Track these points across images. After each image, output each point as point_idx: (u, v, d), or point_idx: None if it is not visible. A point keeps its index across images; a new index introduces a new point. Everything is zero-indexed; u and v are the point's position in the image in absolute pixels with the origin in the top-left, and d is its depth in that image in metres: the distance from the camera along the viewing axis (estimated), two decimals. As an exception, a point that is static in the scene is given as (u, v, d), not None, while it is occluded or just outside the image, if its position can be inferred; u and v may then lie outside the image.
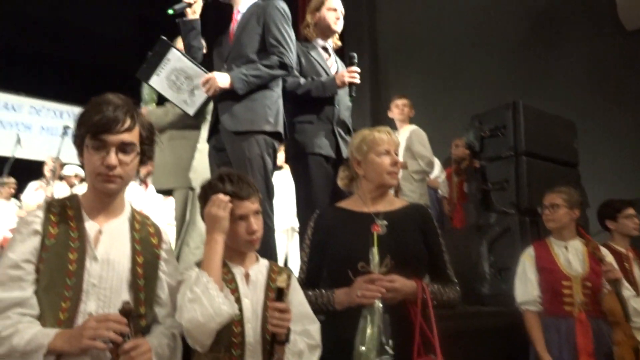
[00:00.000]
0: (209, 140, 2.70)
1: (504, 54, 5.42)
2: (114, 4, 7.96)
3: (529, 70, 5.18)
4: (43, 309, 1.35)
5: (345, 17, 3.07)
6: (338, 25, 3.00)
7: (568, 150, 3.79)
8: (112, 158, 1.41)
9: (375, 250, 1.72)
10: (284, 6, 2.67)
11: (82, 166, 1.55)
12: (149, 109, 3.20)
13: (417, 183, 4.26)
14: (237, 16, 2.71)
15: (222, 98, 2.53)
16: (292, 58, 2.61)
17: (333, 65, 3.00)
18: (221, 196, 1.59)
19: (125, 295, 1.44)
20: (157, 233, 1.60)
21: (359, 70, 2.78)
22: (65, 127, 4.98)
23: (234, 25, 2.69)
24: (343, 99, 2.98)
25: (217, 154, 2.65)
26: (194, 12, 2.61)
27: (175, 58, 2.53)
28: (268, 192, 2.53)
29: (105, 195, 1.49)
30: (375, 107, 6.61)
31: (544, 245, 2.67)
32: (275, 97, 2.62)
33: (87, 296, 1.39)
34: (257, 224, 1.66)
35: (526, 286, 2.61)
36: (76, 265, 1.41)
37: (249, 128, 2.49)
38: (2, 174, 5.57)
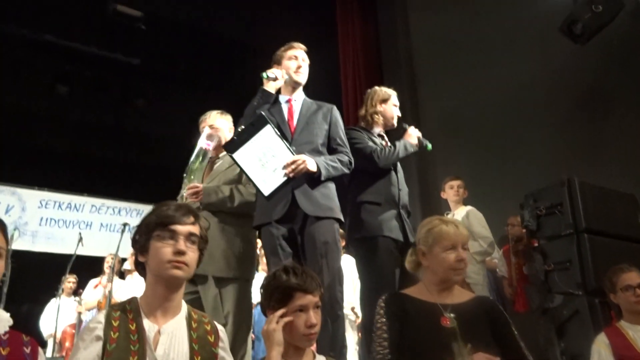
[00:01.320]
0: (269, 226, 2.67)
1: (552, 129, 5.36)
2: (166, 108, 8.49)
3: (580, 145, 5.08)
4: None
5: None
6: (396, 120, 3.27)
7: (631, 225, 3.61)
8: (182, 244, 1.55)
9: (460, 344, 1.69)
10: None
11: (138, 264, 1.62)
12: (206, 189, 2.97)
13: (479, 265, 4.15)
14: (294, 104, 2.90)
15: (298, 184, 2.63)
16: (352, 160, 2.85)
17: None
18: (270, 314, 1.65)
19: (185, 398, 1.44)
20: (214, 331, 1.61)
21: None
22: (125, 224, 5.19)
23: (291, 111, 2.86)
24: (403, 183, 3.08)
25: (287, 242, 2.66)
26: (275, 88, 2.84)
27: (269, 135, 2.54)
28: (340, 279, 2.55)
29: (170, 286, 1.56)
30: (423, 188, 6.58)
31: (617, 330, 2.48)
32: (335, 191, 2.80)
33: (149, 399, 1.39)
34: (316, 318, 1.66)
35: (607, 379, 2.39)
36: None
37: (329, 215, 2.63)
38: (65, 271, 5.77)
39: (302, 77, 2.90)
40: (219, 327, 1.66)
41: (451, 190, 4.51)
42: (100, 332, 1.46)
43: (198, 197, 2.90)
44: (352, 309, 4.91)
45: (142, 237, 1.58)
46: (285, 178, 2.56)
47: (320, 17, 6.77)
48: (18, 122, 7.65)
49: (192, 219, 1.60)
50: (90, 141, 8.30)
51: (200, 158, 2.99)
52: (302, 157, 2.57)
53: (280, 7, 6.50)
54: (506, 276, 4.82)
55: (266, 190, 2.58)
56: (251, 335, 5.37)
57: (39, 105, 7.98)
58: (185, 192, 2.94)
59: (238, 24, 6.60)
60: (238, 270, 2.86)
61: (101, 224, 8.48)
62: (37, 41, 7.44)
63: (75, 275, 6.30)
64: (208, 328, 1.61)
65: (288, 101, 2.90)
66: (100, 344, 1.44)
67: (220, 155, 3.16)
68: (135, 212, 8.71)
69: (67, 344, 5.77)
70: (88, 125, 8.31)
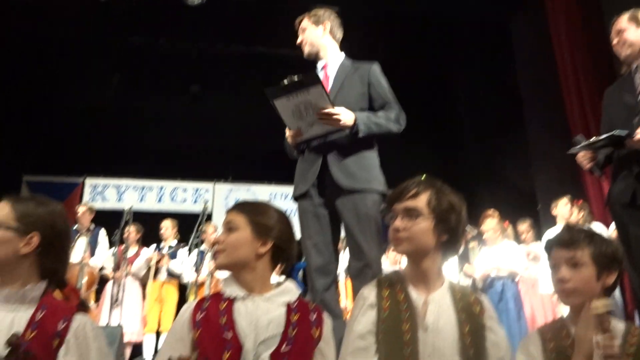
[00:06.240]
0: (302, 198, 2.60)
1: None
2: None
3: None
4: None
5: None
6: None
7: None
8: (397, 222, 1.61)
9: None
10: None
11: None
12: None
13: None
14: (329, 70, 2.75)
15: (332, 151, 2.54)
16: (404, 119, 2.60)
17: None
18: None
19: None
20: (479, 302, 1.63)
21: None
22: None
23: (325, 78, 2.73)
24: None
25: (319, 210, 2.56)
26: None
27: (317, 94, 2.39)
28: (379, 250, 2.48)
29: (412, 262, 1.63)
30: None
31: None
32: (378, 159, 2.62)
33: (423, 364, 1.47)
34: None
35: None
36: (409, 336, 1.51)
37: (365, 186, 2.48)
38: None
39: (306, 49, 2.79)
40: (485, 298, 1.68)
41: None
42: (373, 300, 1.58)
43: None
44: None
45: None
46: (317, 134, 2.50)
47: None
48: (247, 130, 8.62)
49: (412, 192, 1.62)
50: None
51: None
52: (339, 110, 2.42)
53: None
54: None
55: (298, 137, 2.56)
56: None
57: (258, 113, 8.90)
58: None
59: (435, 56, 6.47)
60: None
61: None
62: (250, 53, 8.32)
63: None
64: (472, 299, 1.64)
65: (323, 67, 2.77)
66: (374, 311, 1.56)
67: None
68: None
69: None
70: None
